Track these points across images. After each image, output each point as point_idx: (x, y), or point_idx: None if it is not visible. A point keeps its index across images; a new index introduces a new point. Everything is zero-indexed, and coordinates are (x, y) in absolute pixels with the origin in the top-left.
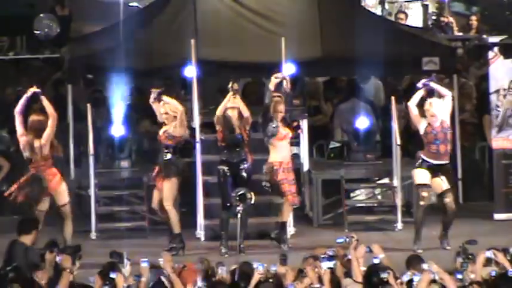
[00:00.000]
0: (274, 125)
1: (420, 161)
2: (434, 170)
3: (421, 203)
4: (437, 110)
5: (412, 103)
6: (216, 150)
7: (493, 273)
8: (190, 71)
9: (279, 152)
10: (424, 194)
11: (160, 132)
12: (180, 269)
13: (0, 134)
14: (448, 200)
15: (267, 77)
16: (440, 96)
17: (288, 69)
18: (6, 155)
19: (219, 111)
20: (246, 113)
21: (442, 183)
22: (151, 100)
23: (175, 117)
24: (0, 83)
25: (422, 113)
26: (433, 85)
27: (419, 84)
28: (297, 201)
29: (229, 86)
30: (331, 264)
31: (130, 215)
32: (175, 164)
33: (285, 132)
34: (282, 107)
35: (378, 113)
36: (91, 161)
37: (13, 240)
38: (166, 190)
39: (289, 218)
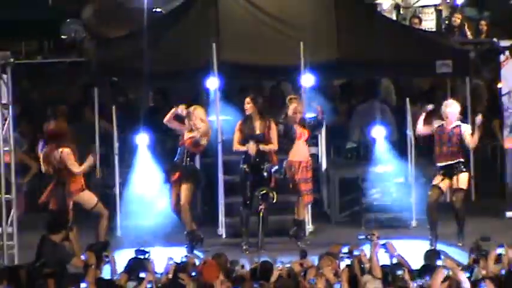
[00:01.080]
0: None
1: None
2: (445, 171)
3: (428, 201)
4: (451, 111)
5: (419, 127)
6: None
7: (503, 272)
8: (212, 73)
9: (297, 152)
10: (429, 193)
11: (186, 136)
12: (201, 266)
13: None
14: (454, 198)
15: (285, 80)
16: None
17: (308, 79)
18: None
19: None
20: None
21: (452, 182)
22: (181, 113)
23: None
24: (28, 85)
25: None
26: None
27: (424, 110)
28: (311, 200)
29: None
30: (349, 261)
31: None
32: (195, 169)
33: (299, 131)
34: (300, 108)
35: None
36: (116, 161)
37: (43, 237)
38: (186, 191)
39: (305, 215)
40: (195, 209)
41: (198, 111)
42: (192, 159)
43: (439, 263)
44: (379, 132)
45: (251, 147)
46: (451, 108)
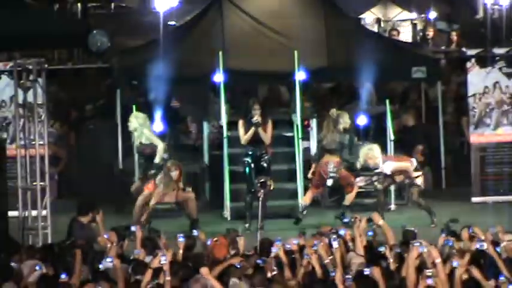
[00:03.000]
0: None
1: None
2: None
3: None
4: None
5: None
6: (239, 144)
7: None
8: (219, 78)
9: None
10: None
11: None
12: (213, 243)
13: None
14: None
15: (282, 84)
16: None
17: (300, 76)
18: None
19: (244, 142)
20: (267, 141)
21: None
22: None
23: None
24: (60, 88)
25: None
26: None
27: None
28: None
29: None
30: (336, 243)
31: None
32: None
33: None
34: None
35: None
36: (135, 154)
37: (73, 219)
38: None
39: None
40: (203, 196)
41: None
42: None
43: (415, 243)
44: (362, 121)
45: (250, 133)
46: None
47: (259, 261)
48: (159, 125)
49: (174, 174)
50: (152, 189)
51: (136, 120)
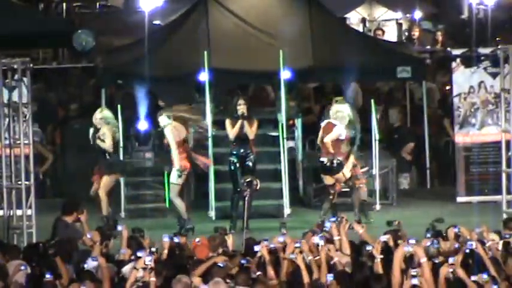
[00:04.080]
0: None
1: None
2: None
3: None
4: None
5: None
6: (225, 143)
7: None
8: (204, 77)
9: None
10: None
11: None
12: (195, 243)
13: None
14: None
15: (267, 83)
16: None
17: (285, 75)
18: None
19: (232, 136)
20: (251, 135)
21: None
22: None
23: None
24: (45, 88)
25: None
26: None
27: None
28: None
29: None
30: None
31: (153, 197)
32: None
33: None
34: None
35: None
36: (121, 152)
37: (57, 218)
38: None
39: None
40: (188, 196)
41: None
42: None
43: (399, 241)
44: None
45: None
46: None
47: (243, 260)
48: (143, 124)
49: None
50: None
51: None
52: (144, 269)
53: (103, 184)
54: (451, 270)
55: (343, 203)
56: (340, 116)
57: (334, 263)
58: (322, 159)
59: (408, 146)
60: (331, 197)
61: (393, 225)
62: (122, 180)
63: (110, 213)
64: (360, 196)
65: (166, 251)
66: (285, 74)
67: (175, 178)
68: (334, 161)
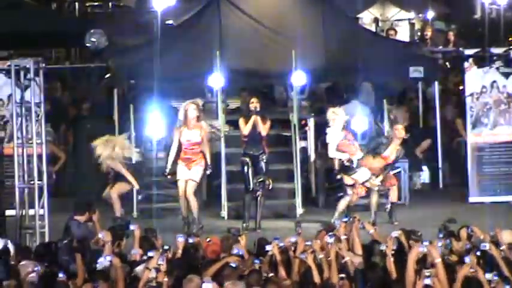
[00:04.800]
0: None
1: None
2: None
3: None
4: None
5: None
6: (237, 144)
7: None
8: (216, 77)
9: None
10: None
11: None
12: (206, 243)
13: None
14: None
15: (279, 83)
16: None
17: (298, 77)
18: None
19: (246, 131)
20: (263, 132)
21: None
22: None
23: None
24: (58, 88)
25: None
26: None
27: None
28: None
29: (252, 108)
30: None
31: (165, 197)
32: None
33: None
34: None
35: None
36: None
37: (69, 218)
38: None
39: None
40: (200, 195)
41: None
42: None
43: (411, 241)
44: (358, 125)
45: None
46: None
47: (256, 261)
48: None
49: None
50: None
51: None
52: (157, 269)
53: (117, 187)
54: (472, 270)
55: (357, 203)
56: (332, 117)
57: (345, 262)
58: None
59: (425, 143)
60: (348, 197)
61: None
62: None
63: (122, 214)
64: (377, 198)
65: (180, 251)
66: (298, 74)
67: (198, 176)
68: (354, 160)
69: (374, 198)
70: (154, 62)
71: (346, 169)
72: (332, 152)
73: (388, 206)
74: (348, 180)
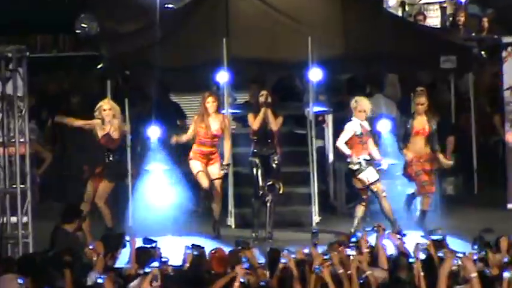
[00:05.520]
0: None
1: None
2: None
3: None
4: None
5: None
6: (245, 142)
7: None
8: (222, 67)
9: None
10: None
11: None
12: (212, 254)
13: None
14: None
15: (293, 75)
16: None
17: (315, 74)
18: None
19: (255, 126)
20: (274, 127)
21: None
22: None
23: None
24: (44, 79)
25: None
26: None
27: None
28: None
29: (262, 100)
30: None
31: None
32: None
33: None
34: (423, 99)
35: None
36: (128, 152)
37: (56, 226)
38: (101, 190)
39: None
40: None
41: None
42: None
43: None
44: (384, 126)
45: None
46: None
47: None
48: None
49: None
50: None
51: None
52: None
53: (100, 193)
54: None
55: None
56: (354, 106)
57: (366, 277)
58: (348, 160)
59: (448, 141)
60: (363, 203)
61: (437, 234)
62: (130, 185)
63: (114, 225)
64: (387, 204)
65: (188, 264)
66: (314, 64)
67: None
68: (361, 161)
69: (386, 204)
70: (152, 51)
71: (354, 172)
72: (340, 142)
73: (417, 213)
74: (357, 183)
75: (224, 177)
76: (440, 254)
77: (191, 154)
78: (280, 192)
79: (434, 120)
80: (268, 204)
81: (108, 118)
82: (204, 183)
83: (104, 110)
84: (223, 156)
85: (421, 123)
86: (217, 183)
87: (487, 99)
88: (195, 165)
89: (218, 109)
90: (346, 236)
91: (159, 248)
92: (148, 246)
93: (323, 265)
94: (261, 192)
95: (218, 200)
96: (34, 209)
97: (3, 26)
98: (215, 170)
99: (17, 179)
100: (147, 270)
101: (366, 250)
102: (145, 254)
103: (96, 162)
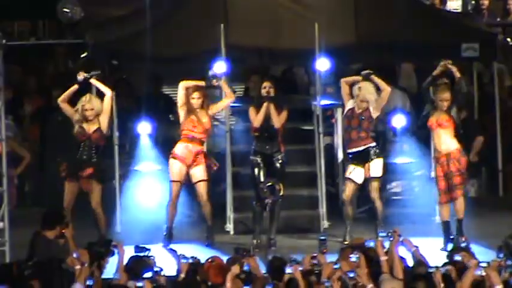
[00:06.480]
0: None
1: None
2: (354, 159)
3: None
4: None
5: (344, 80)
6: (246, 139)
7: None
8: (220, 57)
9: (441, 142)
10: (343, 187)
11: (88, 129)
12: (208, 263)
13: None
14: (369, 188)
15: (299, 65)
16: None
17: (323, 64)
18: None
19: (257, 123)
20: (278, 122)
21: (365, 171)
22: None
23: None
24: (22, 70)
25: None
26: (374, 78)
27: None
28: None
29: (264, 94)
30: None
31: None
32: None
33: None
34: (447, 95)
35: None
36: (116, 152)
37: (36, 233)
38: (96, 193)
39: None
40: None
41: (95, 101)
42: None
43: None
44: (399, 122)
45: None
46: (364, 90)
47: (269, 286)
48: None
49: None
50: None
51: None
52: None
53: (97, 197)
54: None
55: (394, 213)
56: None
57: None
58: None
59: (477, 142)
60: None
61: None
62: (117, 186)
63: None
64: (380, 206)
65: (183, 275)
66: (322, 53)
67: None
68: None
69: (379, 205)
70: (142, 38)
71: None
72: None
73: (437, 217)
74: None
75: (222, 179)
76: (458, 258)
77: (175, 150)
78: (281, 194)
79: (458, 117)
80: (268, 208)
81: (90, 118)
82: (174, 195)
83: (86, 110)
84: (209, 157)
85: (443, 118)
86: (201, 186)
87: (507, 91)
88: (175, 169)
89: (203, 105)
90: (360, 240)
91: (153, 257)
92: (142, 254)
93: (333, 277)
94: (260, 195)
95: (204, 203)
96: (11, 213)
97: None
98: (199, 173)
99: None
100: (139, 284)
101: (383, 258)
102: (139, 264)
103: (77, 162)
